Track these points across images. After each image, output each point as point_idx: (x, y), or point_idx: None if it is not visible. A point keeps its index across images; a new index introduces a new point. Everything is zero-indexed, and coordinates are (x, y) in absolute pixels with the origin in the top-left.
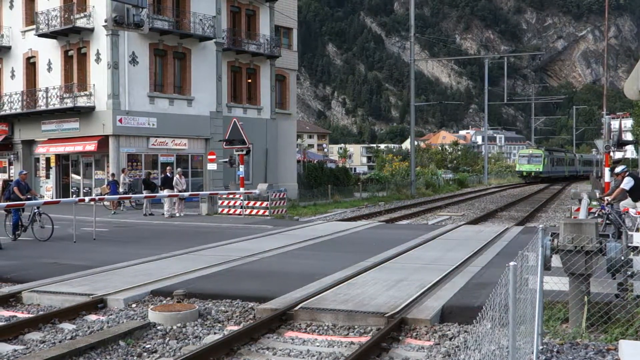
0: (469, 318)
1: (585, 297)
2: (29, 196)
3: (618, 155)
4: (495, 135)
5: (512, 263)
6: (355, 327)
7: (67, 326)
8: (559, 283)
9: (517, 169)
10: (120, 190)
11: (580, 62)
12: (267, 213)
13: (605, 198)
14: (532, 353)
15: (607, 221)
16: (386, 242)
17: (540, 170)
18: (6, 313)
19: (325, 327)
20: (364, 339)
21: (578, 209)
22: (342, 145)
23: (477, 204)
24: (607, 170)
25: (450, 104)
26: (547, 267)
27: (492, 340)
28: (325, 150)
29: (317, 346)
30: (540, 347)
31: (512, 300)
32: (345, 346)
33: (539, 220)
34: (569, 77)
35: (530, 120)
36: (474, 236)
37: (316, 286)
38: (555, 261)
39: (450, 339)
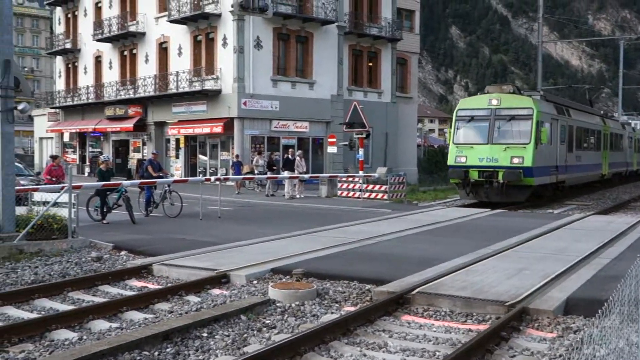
0: (596, 312)
1: None
2: (160, 174)
3: None
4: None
5: None
6: (474, 314)
7: (193, 298)
8: None
9: (449, 162)
10: (257, 172)
11: None
12: (385, 197)
13: None
14: None
15: None
16: (508, 230)
17: (528, 164)
18: (138, 283)
19: (443, 313)
20: (482, 327)
21: None
22: None
23: (608, 193)
24: None
25: (580, 87)
26: None
27: (620, 335)
28: (447, 135)
29: (434, 331)
30: None
31: None
32: (463, 333)
33: None
34: None
35: None
36: (603, 227)
37: (434, 271)
38: None
39: (574, 332)
